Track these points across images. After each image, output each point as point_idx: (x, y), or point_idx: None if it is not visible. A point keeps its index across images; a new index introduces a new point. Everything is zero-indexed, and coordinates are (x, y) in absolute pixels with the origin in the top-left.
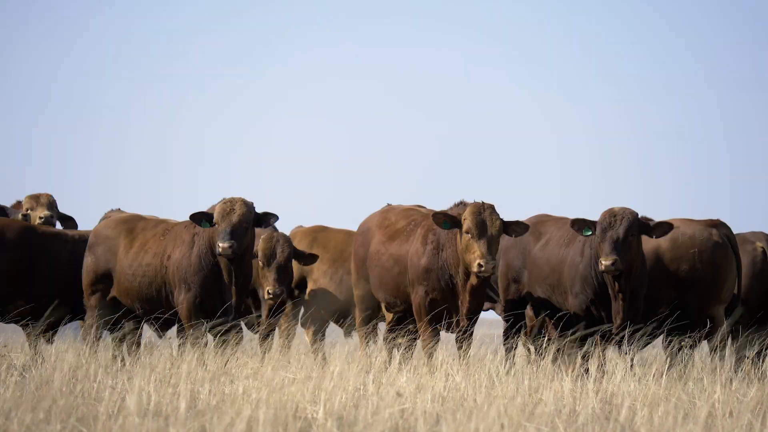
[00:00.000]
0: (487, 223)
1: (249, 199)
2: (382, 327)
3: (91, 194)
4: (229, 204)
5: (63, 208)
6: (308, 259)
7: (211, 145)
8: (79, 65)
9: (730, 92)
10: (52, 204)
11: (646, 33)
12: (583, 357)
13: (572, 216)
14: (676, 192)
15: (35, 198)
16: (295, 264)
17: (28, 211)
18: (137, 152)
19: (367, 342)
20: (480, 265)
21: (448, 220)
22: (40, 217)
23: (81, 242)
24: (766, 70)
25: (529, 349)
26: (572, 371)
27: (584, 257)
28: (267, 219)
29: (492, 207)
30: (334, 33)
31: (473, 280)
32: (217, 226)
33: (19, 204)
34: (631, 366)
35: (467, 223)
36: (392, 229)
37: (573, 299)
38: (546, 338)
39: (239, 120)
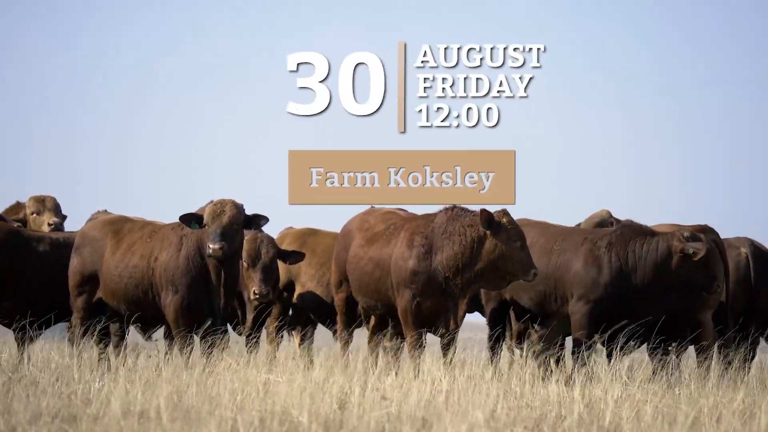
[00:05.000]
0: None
1: (239, 201)
2: (365, 331)
3: (77, 195)
4: (220, 205)
5: None
6: (294, 257)
7: (201, 146)
8: (67, 66)
9: (723, 97)
10: (58, 208)
11: (636, 34)
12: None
13: (554, 221)
14: (664, 197)
15: (40, 201)
16: (283, 267)
17: (34, 215)
18: (125, 154)
19: (348, 345)
20: (535, 274)
21: (489, 221)
22: (50, 224)
23: (67, 244)
24: (761, 73)
25: (513, 351)
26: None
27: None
28: (257, 221)
29: None
30: (325, 32)
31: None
32: (207, 227)
33: (18, 205)
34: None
35: (514, 232)
36: (371, 233)
37: (583, 305)
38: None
39: (229, 120)
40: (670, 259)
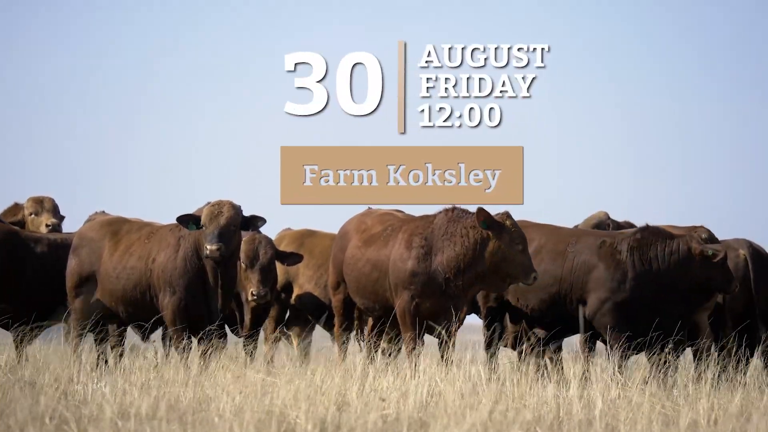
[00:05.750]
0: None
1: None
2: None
3: (76, 196)
4: (217, 207)
5: None
6: (291, 259)
7: (198, 147)
8: (65, 66)
9: (723, 97)
10: (56, 209)
11: (641, 35)
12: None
13: (554, 221)
14: (663, 197)
15: (39, 202)
16: (281, 268)
17: (32, 216)
18: (123, 154)
19: (346, 347)
20: (535, 278)
21: (489, 221)
22: (47, 225)
23: (65, 245)
24: (761, 73)
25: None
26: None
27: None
28: (254, 222)
29: None
30: (323, 32)
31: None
32: (204, 228)
33: (16, 206)
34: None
35: (517, 234)
36: (368, 234)
37: (609, 307)
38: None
39: (227, 121)
40: (691, 261)
